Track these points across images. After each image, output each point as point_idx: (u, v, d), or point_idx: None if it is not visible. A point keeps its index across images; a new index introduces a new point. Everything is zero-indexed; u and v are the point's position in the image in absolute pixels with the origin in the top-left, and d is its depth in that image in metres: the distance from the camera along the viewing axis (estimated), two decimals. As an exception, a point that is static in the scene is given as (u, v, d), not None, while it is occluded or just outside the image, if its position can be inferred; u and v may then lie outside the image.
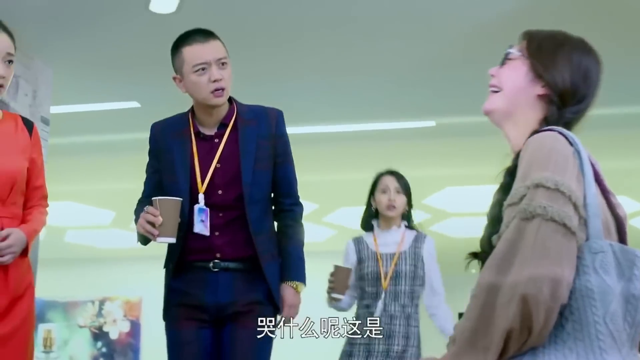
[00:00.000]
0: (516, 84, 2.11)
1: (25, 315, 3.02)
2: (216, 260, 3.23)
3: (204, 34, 3.30)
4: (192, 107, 3.38)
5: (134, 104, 7.03)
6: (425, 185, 9.74)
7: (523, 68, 2.11)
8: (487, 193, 2.16)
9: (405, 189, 4.64)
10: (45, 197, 3.23)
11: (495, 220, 1.98)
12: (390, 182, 4.63)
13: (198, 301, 3.23)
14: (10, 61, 3.00)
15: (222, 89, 3.23)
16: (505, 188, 1.97)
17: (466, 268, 2.15)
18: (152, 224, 3.03)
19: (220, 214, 3.25)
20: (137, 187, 3.42)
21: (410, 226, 4.67)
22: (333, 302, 4.31)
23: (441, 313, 4.56)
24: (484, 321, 1.77)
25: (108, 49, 6.08)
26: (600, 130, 6.44)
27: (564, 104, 2.04)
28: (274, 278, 3.28)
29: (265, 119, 3.37)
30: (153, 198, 3.07)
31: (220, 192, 3.25)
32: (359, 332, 4.05)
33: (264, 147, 3.32)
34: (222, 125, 3.32)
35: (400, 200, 4.61)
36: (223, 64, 3.26)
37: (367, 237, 4.68)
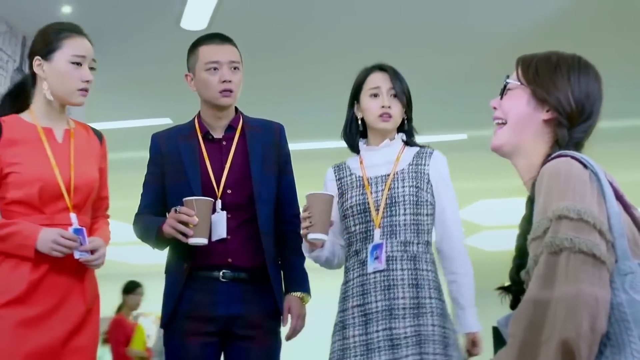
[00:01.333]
0: (520, 113, 2.09)
1: (97, 328, 3.06)
2: (225, 271, 3.18)
3: (222, 38, 3.36)
4: (199, 112, 3.39)
5: (166, 121, 7.07)
6: (458, 198, 9.70)
7: (524, 96, 2.09)
8: (520, 205, 2.15)
9: (404, 91, 3.27)
10: (108, 208, 3.27)
11: (522, 252, 1.96)
12: (383, 82, 3.25)
13: (207, 312, 3.15)
14: (93, 67, 3.09)
15: (230, 91, 3.25)
16: (529, 219, 1.95)
17: (502, 301, 2.12)
18: (185, 225, 3.01)
19: (229, 215, 3.20)
20: (170, 203, 3.42)
21: (410, 142, 3.30)
22: (312, 248, 3.10)
23: (457, 264, 3.16)
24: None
25: (140, 66, 6.13)
26: (624, 143, 6.41)
27: (572, 124, 2.02)
28: (278, 286, 3.27)
29: (269, 130, 3.40)
30: (186, 198, 3.04)
31: (229, 191, 3.23)
32: (353, 293, 3.08)
33: (269, 154, 3.33)
34: (230, 128, 3.33)
35: (397, 107, 3.23)
36: (235, 68, 3.29)
37: (352, 162, 3.30)
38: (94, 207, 3.14)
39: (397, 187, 3.13)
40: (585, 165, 1.88)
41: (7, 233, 2.89)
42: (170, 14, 5.26)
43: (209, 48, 3.31)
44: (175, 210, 3.04)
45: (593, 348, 1.70)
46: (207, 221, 3.05)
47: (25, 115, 3.08)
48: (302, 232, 2.98)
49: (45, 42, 3.06)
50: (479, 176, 8.93)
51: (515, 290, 1.98)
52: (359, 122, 3.28)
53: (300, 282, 3.32)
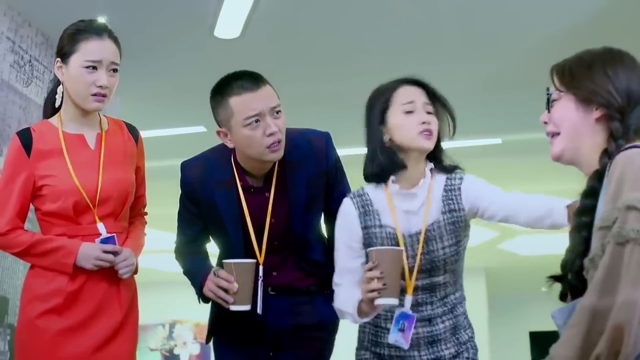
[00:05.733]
0: (571, 121, 2.09)
1: (133, 335, 3.04)
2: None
3: (252, 80, 2.90)
4: (234, 154, 3.03)
5: (201, 129, 7.12)
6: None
7: (570, 103, 2.09)
8: (579, 202, 2.14)
9: (445, 105, 2.87)
10: (145, 206, 3.24)
11: (579, 245, 1.96)
12: (417, 95, 2.79)
13: (257, 325, 2.97)
14: (114, 70, 2.97)
15: (279, 142, 2.86)
16: (588, 210, 1.95)
17: (548, 291, 2.12)
18: (226, 290, 2.81)
19: (276, 256, 3.02)
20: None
21: (440, 166, 2.87)
22: (371, 313, 2.74)
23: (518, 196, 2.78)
24: (587, 351, 1.76)
25: (174, 75, 6.17)
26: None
27: (624, 114, 2.02)
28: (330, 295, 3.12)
29: (312, 156, 3.02)
30: (226, 261, 2.82)
31: (276, 243, 3.01)
32: (390, 344, 2.79)
33: (315, 187, 3.01)
34: (269, 175, 3.01)
35: (437, 125, 2.80)
36: (277, 112, 2.88)
37: (375, 192, 2.85)
38: (130, 206, 3.12)
39: (437, 249, 2.77)
40: None
41: (47, 249, 2.90)
42: (204, 23, 5.29)
43: (242, 99, 2.87)
44: (215, 274, 2.87)
45: (639, 341, 1.70)
46: (248, 286, 2.81)
47: (54, 121, 3.03)
48: (368, 295, 2.59)
49: (63, 45, 2.98)
50: (513, 181, 8.86)
51: (566, 280, 1.98)
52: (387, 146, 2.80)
53: None
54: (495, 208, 2.75)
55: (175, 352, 14.28)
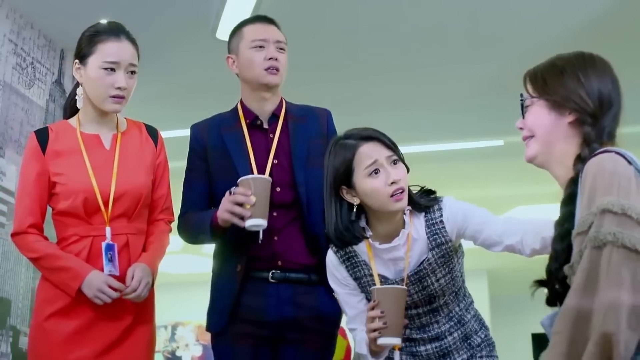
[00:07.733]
0: (545, 126, 2.13)
1: (146, 338, 3.02)
2: (274, 271, 3.04)
3: (268, 19, 3.29)
4: (241, 99, 3.25)
5: (203, 131, 7.13)
6: (496, 204, 9.62)
7: (543, 109, 2.13)
8: (558, 211, 2.15)
9: (400, 155, 2.71)
10: (168, 209, 3.17)
11: (562, 252, 1.96)
12: (378, 152, 2.66)
13: (258, 317, 3.01)
14: (133, 72, 3.02)
15: (277, 69, 3.14)
16: (568, 217, 1.96)
17: (532, 295, 2.13)
18: (242, 206, 2.83)
19: (275, 213, 3.01)
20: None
21: (416, 206, 2.72)
22: (379, 354, 2.67)
23: (521, 228, 2.60)
24: (572, 357, 1.76)
25: (176, 76, 6.18)
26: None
27: (597, 118, 2.03)
28: None
29: (315, 118, 3.27)
30: (243, 178, 2.87)
31: (278, 189, 3.06)
32: None
33: (316, 146, 3.13)
34: (274, 117, 3.20)
35: (405, 175, 2.67)
36: (282, 48, 3.19)
37: (363, 254, 2.76)
38: (150, 208, 3.11)
39: (432, 283, 2.72)
40: (629, 162, 1.89)
41: (57, 266, 2.91)
42: (206, 25, 5.30)
43: (255, 27, 3.23)
44: (230, 193, 2.89)
45: (630, 346, 1.71)
46: (265, 201, 2.84)
47: (73, 121, 3.07)
48: (371, 335, 2.56)
49: (81, 47, 3.02)
50: (516, 182, 8.87)
51: (551, 286, 1.99)
52: (355, 211, 2.69)
53: None
54: (489, 236, 2.67)
55: (178, 354, 14.28)
